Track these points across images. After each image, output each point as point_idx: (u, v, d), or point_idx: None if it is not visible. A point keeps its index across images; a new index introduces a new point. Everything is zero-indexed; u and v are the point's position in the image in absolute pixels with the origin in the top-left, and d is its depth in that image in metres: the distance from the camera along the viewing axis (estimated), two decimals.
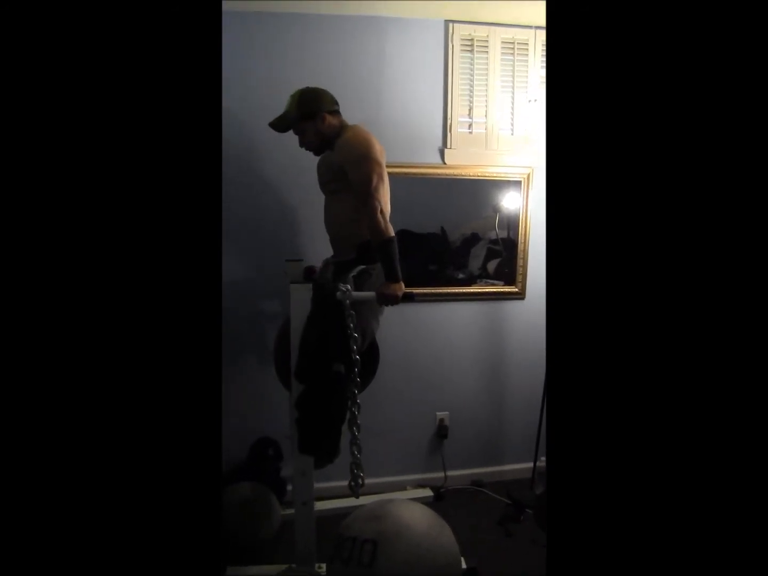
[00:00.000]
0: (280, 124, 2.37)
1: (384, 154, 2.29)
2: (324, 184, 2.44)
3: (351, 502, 2.39)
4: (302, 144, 2.42)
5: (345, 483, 2.27)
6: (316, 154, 2.44)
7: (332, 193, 2.40)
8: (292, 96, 2.35)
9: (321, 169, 2.45)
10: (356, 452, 2.23)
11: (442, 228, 3.08)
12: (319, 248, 2.65)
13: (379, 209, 2.20)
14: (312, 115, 2.31)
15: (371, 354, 2.45)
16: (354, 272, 2.27)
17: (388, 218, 2.28)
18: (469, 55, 2.96)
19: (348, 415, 2.22)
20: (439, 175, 2.98)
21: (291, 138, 2.47)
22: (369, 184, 2.21)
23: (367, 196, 2.20)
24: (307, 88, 2.37)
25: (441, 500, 3.03)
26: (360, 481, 2.25)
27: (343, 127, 2.36)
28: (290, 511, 2.45)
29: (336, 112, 2.38)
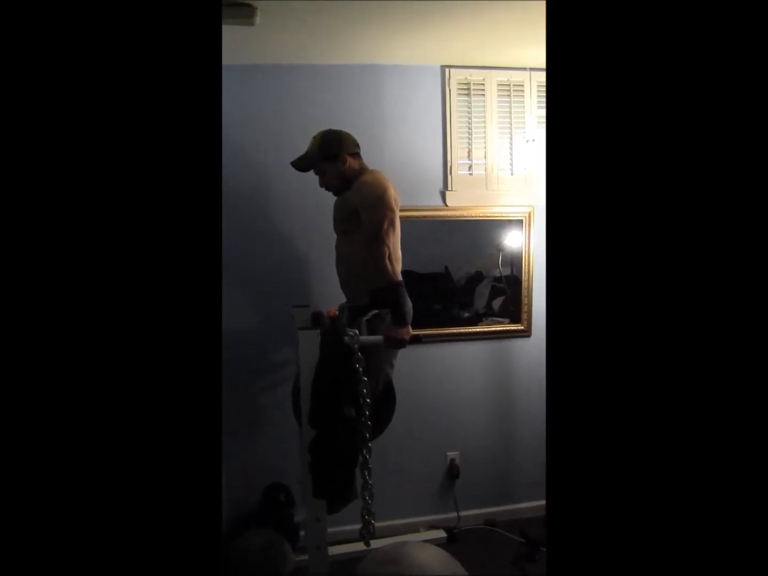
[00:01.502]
0: (301, 164, 2.40)
1: (398, 201, 2.33)
2: (337, 224, 2.48)
3: (365, 545, 2.37)
4: (322, 185, 2.45)
5: (358, 527, 2.25)
6: (336, 194, 2.47)
7: (345, 233, 2.42)
8: (315, 137, 2.39)
9: (336, 208, 2.48)
10: (368, 497, 2.20)
11: (446, 267, 3.11)
12: (329, 294, 2.68)
13: (388, 254, 2.23)
14: (333, 157, 2.35)
15: (386, 398, 2.45)
16: (368, 316, 2.29)
17: (398, 263, 2.31)
18: (466, 98, 3.02)
19: (360, 459, 2.21)
20: (441, 217, 3.03)
21: (298, 184, 2.51)
22: (380, 227, 2.24)
23: (376, 239, 2.24)
24: (330, 129, 2.41)
25: (454, 541, 3.00)
26: (371, 528, 2.22)
27: (363, 170, 2.40)
28: (304, 556, 2.44)
29: (357, 155, 2.41)
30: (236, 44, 2.53)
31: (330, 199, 2.50)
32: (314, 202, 2.61)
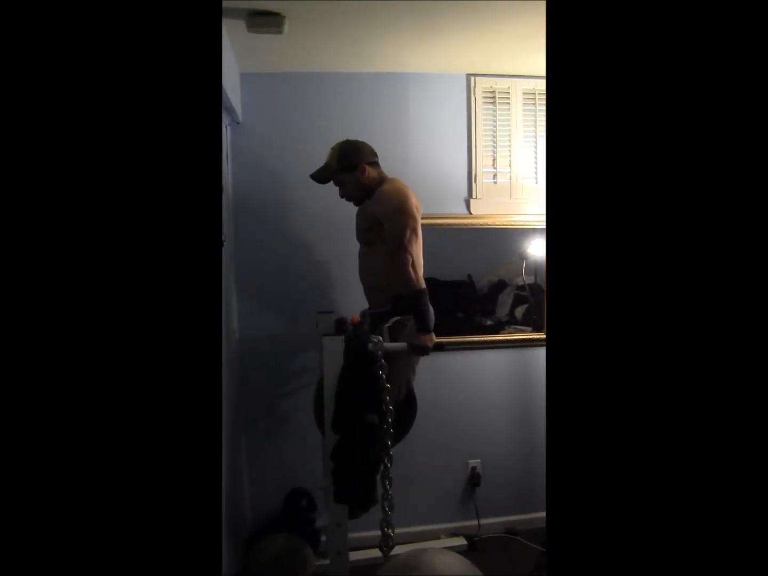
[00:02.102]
0: (320, 176, 2.42)
1: (420, 209, 2.34)
2: (360, 234, 2.49)
3: (383, 557, 2.36)
4: (342, 195, 2.46)
5: (379, 534, 2.25)
6: (356, 204, 2.48)
7: (367, 243, 2.44)
8: (333, 148, 2.40)
9: (358, 218, 2.50)
10: (387, 509, 2.19)
11: (469, 275, 3.12)
12: (351, 301, 2.70)
13: (411, 262, 2.24)
14: (352, 167, 2.36)
15: (408, 405, 2.46)
16: (390, 323, 2.29)
17: (420, 271, 2.31)
18: (491, 106, 3.04)
19: (381, 468, 2.21)
20: (465, 225, 3.03)
21: (321, 193, 2.53)
22: (402, 236, 2.25)
23: (399, 248, 2.25)
24: (347, 140, 2.41)
25: (475, 549, 2.99)
26: (390, 541, 2.20)
27: (382, 179, 2.41)
28: (325, 561, 2.45)
29: (375, 164, 2.42)
30: (260, 53, 2.56)
31: (352, 206, 2.52)
32: (337, 210, 2.63)
